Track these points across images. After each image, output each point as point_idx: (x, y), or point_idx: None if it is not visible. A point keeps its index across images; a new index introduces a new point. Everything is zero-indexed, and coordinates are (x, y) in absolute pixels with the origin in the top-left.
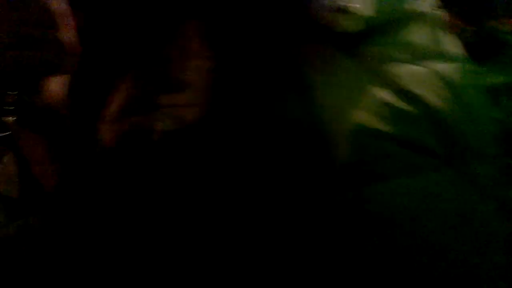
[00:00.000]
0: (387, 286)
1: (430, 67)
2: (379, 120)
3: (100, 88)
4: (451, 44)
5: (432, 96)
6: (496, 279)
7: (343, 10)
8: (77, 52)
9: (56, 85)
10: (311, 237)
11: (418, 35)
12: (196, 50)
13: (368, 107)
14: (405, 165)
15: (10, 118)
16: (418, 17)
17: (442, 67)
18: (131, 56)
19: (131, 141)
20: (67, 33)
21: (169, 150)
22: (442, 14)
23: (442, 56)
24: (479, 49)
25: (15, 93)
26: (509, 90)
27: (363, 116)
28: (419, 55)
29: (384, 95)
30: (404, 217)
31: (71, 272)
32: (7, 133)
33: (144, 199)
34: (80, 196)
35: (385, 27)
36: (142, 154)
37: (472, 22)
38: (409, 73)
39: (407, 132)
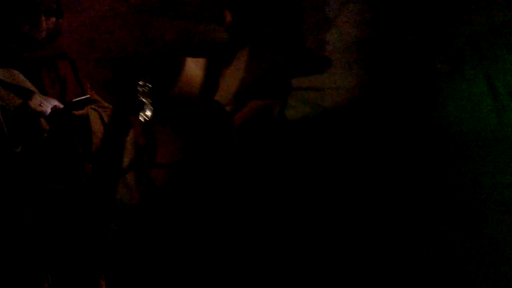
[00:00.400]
0: None
1: None
2: None
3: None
4: None
5: None
6: None
7: None
8: (227, 22)
9: (196, 67)
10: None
11: None
12: (338, 17)
13: None
14: None
15: (149, 114)
16: None
17: None
18: (255, 25)
19: (255, 129)
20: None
21: (302, 141)
22: None
23: None
24: None
25: (150, 80)
26: None
27: None
28: None
29: None
30: None
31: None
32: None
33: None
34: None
35: None
36: (269, 144)
37: None
38: None
39: None
